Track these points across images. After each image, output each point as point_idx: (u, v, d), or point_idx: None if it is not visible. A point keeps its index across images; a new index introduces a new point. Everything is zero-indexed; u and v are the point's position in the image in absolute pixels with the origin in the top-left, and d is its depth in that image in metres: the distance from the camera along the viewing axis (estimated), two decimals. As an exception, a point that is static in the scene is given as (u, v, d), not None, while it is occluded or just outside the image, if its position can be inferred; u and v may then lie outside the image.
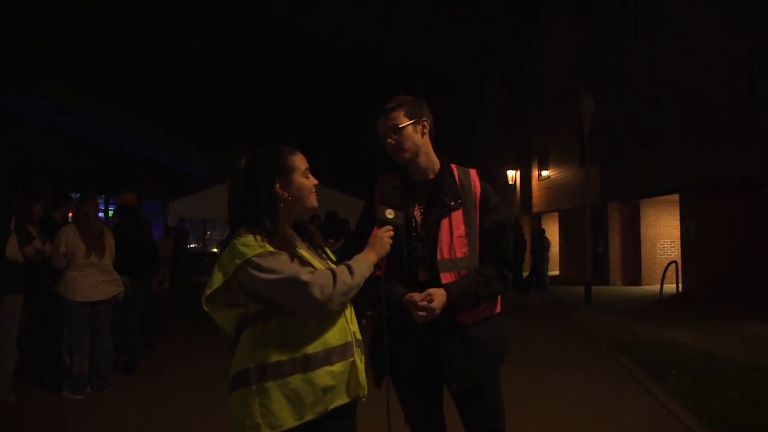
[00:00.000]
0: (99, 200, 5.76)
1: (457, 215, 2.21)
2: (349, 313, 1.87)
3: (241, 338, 1.78)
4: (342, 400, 1.78)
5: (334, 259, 1.99)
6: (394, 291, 2.13)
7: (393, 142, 2.21)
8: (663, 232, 15.02)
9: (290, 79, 44.77)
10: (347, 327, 1.83)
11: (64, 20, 21.36)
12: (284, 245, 1.75)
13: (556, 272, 18.94)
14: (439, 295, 2.08)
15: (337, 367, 1.76)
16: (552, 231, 18.82)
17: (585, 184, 12.50)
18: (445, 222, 2.19)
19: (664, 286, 11.88)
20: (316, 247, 1.96)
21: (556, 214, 20.15)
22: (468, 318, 2.18)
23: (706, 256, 11.81)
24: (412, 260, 2.20)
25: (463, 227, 2.20)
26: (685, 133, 12.18)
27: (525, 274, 15.20)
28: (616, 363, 6.31)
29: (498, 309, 2.30)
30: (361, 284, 1.80)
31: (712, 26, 11.19)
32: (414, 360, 2.22)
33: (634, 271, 15.12)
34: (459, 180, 2.27)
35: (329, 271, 1.73)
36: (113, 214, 7.15)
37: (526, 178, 22.71)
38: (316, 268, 1.74)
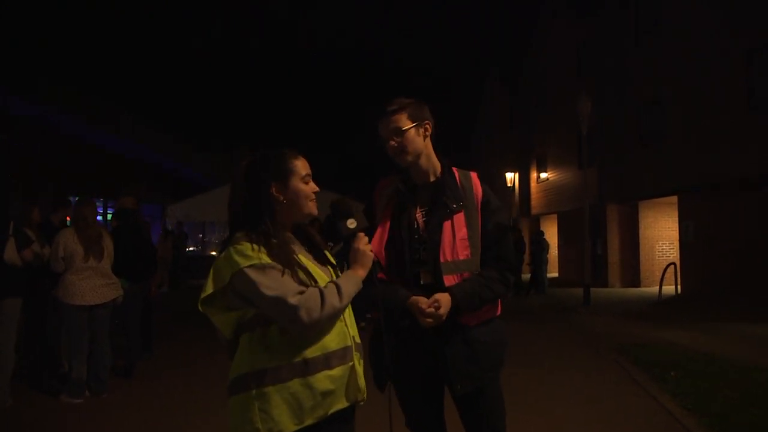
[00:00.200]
0: (97, 203, 5.75)
1: (459, 218, 2.21)
2: (348, 317, 1.86)
3: (239, 343, 1.78)
4: (341, 404, 1.77)
5: (333, 262, 1.99)
6: (397, 294, 2.13)
7: (395, 145, 2.20)
8: (662, 233, 15.02)
9: (290, 80, 44.84)
10: (346, 331, 1.82)
11: (64, 20, 21.37)
12: (281, 251, 1.75)
13: (555, 274, 18.94)
14: (445, 301, 2.08)
15: (337, 371, 1.75)
16: (551, 233, 18.83)
17: (583, 185, 12.51)
18: (447, 224, 2.19)
19: (663, 287, 11.89)
20: (316, 251, 1.95)
21: (555, 216, 20.16)
22: (471, 320, 2.18)
23: (706, 256, 11.80)
24: (415, 263, 2.19)
25: (465, 230, 2.20)
26: (685, 133, 12.18)
27: (525, 276, 15.20)
28: (614, 364, 6.30)
29: (498, 311, 2.31)
30: (348, 305, 1.79)
31: (712, 26, 11.20)
32: (417, 364, 2.22)
33: (632, 273, 15.11)
34: (460, 183, 2.27)
35: (318, 293, 1.71)
36: (112, 217, 7.14)
37: (524, 180, 22.71)
38: (308, 286, 1.73)
